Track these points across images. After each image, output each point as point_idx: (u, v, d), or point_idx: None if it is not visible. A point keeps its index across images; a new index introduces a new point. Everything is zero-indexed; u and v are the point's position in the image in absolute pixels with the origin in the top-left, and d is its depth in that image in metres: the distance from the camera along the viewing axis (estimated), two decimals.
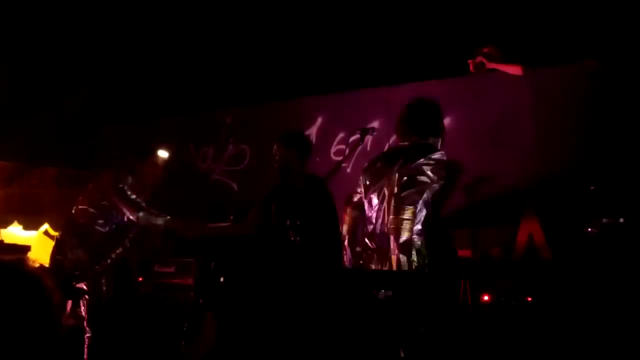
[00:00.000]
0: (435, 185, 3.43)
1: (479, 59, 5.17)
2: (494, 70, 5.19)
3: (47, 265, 4.22)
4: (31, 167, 4.82)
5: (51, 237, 7.27)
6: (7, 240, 5.74)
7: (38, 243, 6.83)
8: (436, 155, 3.43)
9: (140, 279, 5.69)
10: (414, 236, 3.33)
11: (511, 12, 5.73)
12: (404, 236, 3.31)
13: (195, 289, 4.93)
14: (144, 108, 7.30)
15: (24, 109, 7.30)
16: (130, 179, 4.30)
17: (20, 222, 6.94)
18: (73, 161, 7.45)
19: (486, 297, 4.34)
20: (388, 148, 3.76)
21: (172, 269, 5.51)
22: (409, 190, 3.33)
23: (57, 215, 7.32)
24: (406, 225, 3.33)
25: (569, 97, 4.92)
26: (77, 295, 4.23)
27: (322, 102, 6.13)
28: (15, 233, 6.84)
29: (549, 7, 5.61)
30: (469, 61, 5.30)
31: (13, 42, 7.02)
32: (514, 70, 5.00)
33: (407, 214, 3.32)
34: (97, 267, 4.36)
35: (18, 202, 7.09)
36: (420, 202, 3.37)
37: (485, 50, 5.10)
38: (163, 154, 4.43)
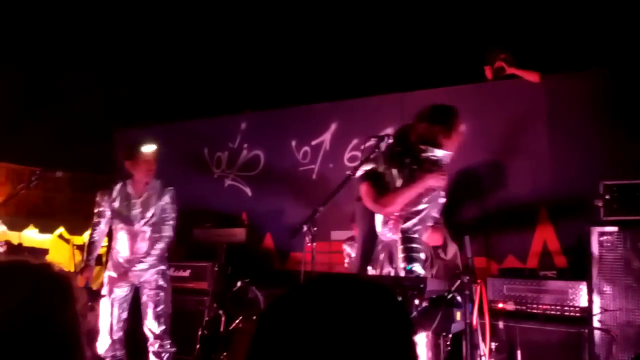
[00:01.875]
0: None
1: (499, 63, 5.20)
2: (511, 76, 5.21)
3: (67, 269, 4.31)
4: (46, 170, 4.87)
5: (66, 240, 7.35)
6: (25, 244, 5.79)
7: (53, 246, 6.91)
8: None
9: None
10: None
11: (523, 20, 5.75)
12: None
13: (211, 293, 4.95)
14: (158, 112, 7.35)
15: (39, 113, 7.38)
16: (122, 184, 4.64)
17: (35, 226, 7.02)
18: (87, 165, 7.52)
19: (500, 305, 4.34)
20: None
21: (186, 273, 5.55)
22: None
23: (72, 218, 7.41)
24: None
25: (582, 104, 4.92)
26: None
27: (336, 108, 6.14)
28: (30, 236, 6.91)
29: (559, 15, 5.63)
30: (486, 67, 5.33)
31: (27, 46, 7.10)
32: (532, 76, 5.02)
33: None
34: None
35: (33, 206, 7.16)
36: None
37: (503, 56, 5.13)
38: (148, 148, 4.57)
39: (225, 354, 4.39)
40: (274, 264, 6.08)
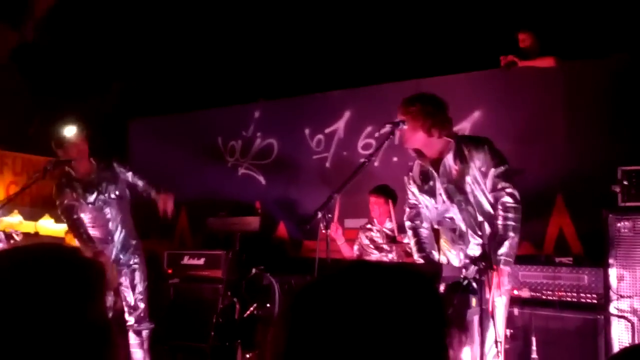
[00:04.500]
0: None
1: (511, 57, 5.17)
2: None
3: None
4: (61, 160, 4.89)
5: None
6: (41, 233, 5.84)
7: (66, 235, 6.95)
8: None
9: (170, 271, 5.77)
10: None
11: (541, 5, 5.68)
12: None
13: (225, 281, 4.97)
14: (172, 101, 7.37)
15: (53, 102, 7.42)
16: (66, 168, 4.64)
17: (51, 216, 7.06)
18: (102, 154, 7.54)
19: (515, 292, 4.31)
20: None
21: (201, 262, 5.58)
22: None
23: None
24: None
25: (599, 90, 4.87)
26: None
27: (350, 96, 6.12)
28: (46, 226, 6.95)
29: (578, 0, 5.55)
30: (501, 57, 5.29)
31: (42, 38, 7.13)
32: (547, 63, 4.96)
33: None
34: None
35: (49, 196, 7.20)
36: None
37: (522, 36, 5.07)
38: (70, 131, 4.55)
39: (239, 341, 4.42)
40: (288, 252, 6.09)
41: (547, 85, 5.07)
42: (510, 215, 3.18)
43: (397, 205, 5.15)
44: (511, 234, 3.16)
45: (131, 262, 4.65)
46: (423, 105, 3.31)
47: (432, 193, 3.40)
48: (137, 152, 7.17)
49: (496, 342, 3.09)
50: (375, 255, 5.12)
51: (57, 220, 7.15)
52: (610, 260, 3.95)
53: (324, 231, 3.33)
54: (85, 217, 4.60)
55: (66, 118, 4.76)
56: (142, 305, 4.62)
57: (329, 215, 3.39)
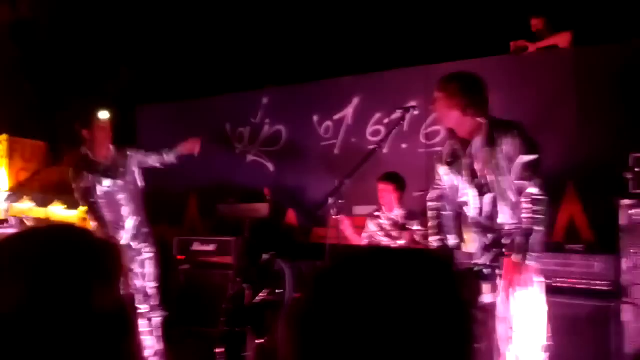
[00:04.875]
0: None
1: (521, 42, 5.13)
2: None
3: None
4: (71, 147, 4.93)
5: None
6: (52, 219, 5.87)
7: (78, 222, 6.98)
8: None
9: (181, 257, 5.79)
10: None
11: None
12: None
13: (236, 268, 4.99)
14: (180, 88, 7.36)
15: (61, 91, 7.43)
16: (84, 151, 4.62)
17: (62, 202, 7.09)
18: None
19: None
20: None
21: (212, 248, 5.60)
22: None
23: None
24: None
25: (612, 76, 4.83)
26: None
27: (359, 82, 6.09)
28: (57, 212, 6.99)
29: None
30: (511, 43, 5.25)
31: (49, 27, 7.12)
32: (562, 39, 4.91)
33: None
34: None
35: (59, 182, 7.23)
36: None
37: (535, 21, 5.01)
38: (104, 114, 4.63)
39: (249, 326, 4.43)
40: (297, 238, 6.10)
41: (559, 71, 5.03)
42: (536, 207, 3.02)
43: (406, 193, 5.15)
44: (537, 227, 3.01)
45: (143, 250, 4.67)
46: (461, 84, 3.23)
47: (457, 174, 3.31)
48: (145, 139, 7.16)
49: (509, 328, 3.09)
50: (384, 243, 5.12)
51: (68, 206, 7.19)
52: (622, 247, 3.94)
53: (334, 217, 3.34)
54: (99, 201, 4.62)
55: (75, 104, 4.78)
56: (154, 293, 4.65)
57: (340, 201, 3.40)
